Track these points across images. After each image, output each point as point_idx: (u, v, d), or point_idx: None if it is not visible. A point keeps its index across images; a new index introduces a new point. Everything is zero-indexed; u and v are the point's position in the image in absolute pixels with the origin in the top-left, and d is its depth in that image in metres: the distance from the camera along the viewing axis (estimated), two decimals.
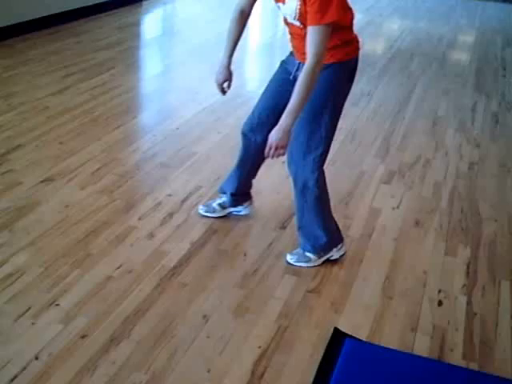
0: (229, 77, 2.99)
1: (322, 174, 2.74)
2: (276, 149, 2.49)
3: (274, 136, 2.49)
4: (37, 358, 2.18)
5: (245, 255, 2.89)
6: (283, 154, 2.56)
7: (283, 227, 3.14)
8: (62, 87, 4.83)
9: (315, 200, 2.75)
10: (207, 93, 4.94)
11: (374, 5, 9.32)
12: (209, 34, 6.92)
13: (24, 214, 3.06)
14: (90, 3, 7.13)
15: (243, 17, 2.89)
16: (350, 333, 2.39)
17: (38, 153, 3.72)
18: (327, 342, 2.34)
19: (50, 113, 4.32)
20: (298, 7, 2.45)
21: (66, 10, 6.72)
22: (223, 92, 2.97)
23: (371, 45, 7.21)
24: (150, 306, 2.49)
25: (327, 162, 3.72)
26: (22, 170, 3.49)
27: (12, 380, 2.08)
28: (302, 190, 2.76)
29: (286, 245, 2.98)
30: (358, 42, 2.74)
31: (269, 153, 2.51)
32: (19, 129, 4.02)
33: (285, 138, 2.48)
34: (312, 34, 2.40)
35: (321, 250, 2.81)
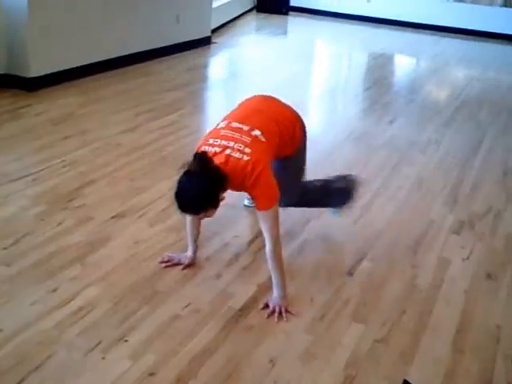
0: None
1: None
2: (280, 313, 2.72)
3: (277, 304, 2.75)
4: None
5: (311, 300, 2.86)
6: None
7: (350, 273, 3.10)
8: (133, 125, 4.97)
9: None
10: None
11: (441, 53, 9.31)
12: (274, 78, 7.02)
13: (95, 248, 3.13)
14: (161, 45, 7.34)
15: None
16: None
17: (110, 189, 3.81)
18: None
19: (121, 150, 4.44)
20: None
21: (138, 51, 6.94)
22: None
23: (438, 93, 7.18)
24: (216, 347, 2.49)
25: (394, 208, 3.71)
26: (94, 206, 3.57)
27: None
28: None
29: (353, 291, 2.94)
30: (300, 127, 3.18)
31: (278, 318, 2.71)
32: (92, 165, 4.14)
33: (284, 302, 2.77)
34: (263, 219, 2.66)
35: None
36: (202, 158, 2.52)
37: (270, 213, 2.65)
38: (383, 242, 3.43)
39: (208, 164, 2.52)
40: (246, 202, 3.71)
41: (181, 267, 3.02)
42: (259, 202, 2.66)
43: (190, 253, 3.09)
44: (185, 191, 2.54)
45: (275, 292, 2.78)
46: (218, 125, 2.84)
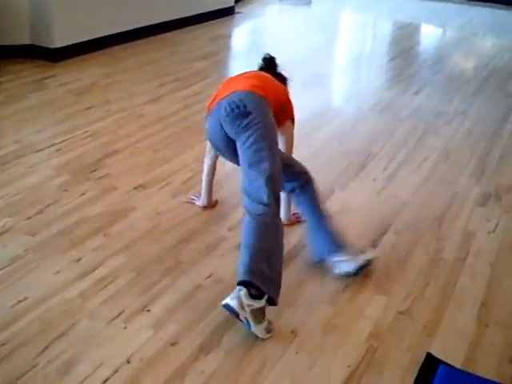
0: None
1: None
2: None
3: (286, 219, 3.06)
4: (128, 362, 2.21)
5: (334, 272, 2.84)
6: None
7: (374, 245, 3.08)
8: (157, 96, 4.95)
9: None
10: (298, 106, 4.91)
11: (469, 23, 9.11)
12: (298, 48, 6.93)
13: (118, 219, 3.14)
14: (185, 15, 7.29)
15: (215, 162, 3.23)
16: (443, 359, 2.31)
17: (133, 159, 3.81)
18: (419, 366, 2.27)
19: (145, 120, 4.43)
20: None
21: (163, 21, 6.89)
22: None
23: (466, 63, 7.04)
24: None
25: (419, 180, 3.66)
26: (117, 176, 3.58)
27: (104, 382, 2.12)
28: None
29: (376, 263, 2.91)
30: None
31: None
32: (115, 135, 4.14)
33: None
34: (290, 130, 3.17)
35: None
36: (272, 60, 3.13)
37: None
38: (407, 214, 3.39)
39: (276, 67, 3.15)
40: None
41: (201, 240, 3.01)
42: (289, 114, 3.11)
43: (206, 201, 3.29)
44: None
45: (283, 213, 3.00)
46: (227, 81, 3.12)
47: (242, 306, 2.29)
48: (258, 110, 2.70)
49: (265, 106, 2.76)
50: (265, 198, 2.52)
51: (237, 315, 2.31)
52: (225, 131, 2.76)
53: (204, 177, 3.25)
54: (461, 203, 3.55)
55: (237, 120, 2.67)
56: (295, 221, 3.20)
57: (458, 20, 9.26)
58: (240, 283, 2.35)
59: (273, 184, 2.56)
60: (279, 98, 2.95)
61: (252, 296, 2.32)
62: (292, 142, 3.18)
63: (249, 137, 2.63)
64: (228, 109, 2.71)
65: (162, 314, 2.48)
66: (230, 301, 2.30)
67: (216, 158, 3.19)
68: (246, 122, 2.65)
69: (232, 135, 2.73)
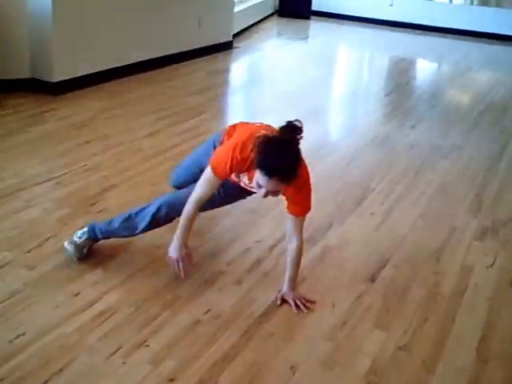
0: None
1: None
2: (302, 302, 2.80)
3: (296, 297, 2.81)
4: None
5: (333, 306, 2.84)
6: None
7: (372, 280, 3.08)
8: (155, 130, 4.99)
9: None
10: None
11: (464, 58, 9.23)
12: (295, 83, 7.02)
13: (116, 253, 3.14)
14: (183, 49, 7.37)
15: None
16: None
17: (132, 193, 3.83)
18: None
19: (143, 154, 4.46)
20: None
21: (161, 55, 6.97)
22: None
23: (461, 98, 7.12)
24: (237, 354, 2.48)
25: (417, 214, 3.68)
26: (116, 210, 3.57)
27: None
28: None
29: (375, 298, 2.92)
30: None
31: (302, 307, 2.79)
32: (114, 169, 4.16)
33: (297, 293, 2.84)
34: (299, 223, 2.78)
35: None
36: (295, 128, 2.53)
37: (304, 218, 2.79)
38: (405, 249, 3.41)
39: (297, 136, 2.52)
40: None
41: (200, 275, 3.02)
42: (301, 208, 2.75)
43: (183, 250, 2.86)
44: (283, 155, 2.48)
45: (289, 286, 2.84)
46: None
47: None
48: None
49: None
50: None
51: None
52: None
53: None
54: (458, 237, 3.57)
55: None
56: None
57: (453, 54, 9.40)
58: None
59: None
60: None
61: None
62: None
63: None
64: None
65: (160, 349, 2.47)
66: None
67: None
68: None
69: None
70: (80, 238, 3.01)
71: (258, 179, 2.51)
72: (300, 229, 2.79)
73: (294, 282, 2.86)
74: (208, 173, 2.71)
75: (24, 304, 2.67)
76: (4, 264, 2.96)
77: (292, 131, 2.54)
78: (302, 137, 2.54)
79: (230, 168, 2.64)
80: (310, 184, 2.74)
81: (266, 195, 2.56)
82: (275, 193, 2.58)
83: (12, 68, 5.60)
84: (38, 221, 3.41)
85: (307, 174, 2.73)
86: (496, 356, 2.57)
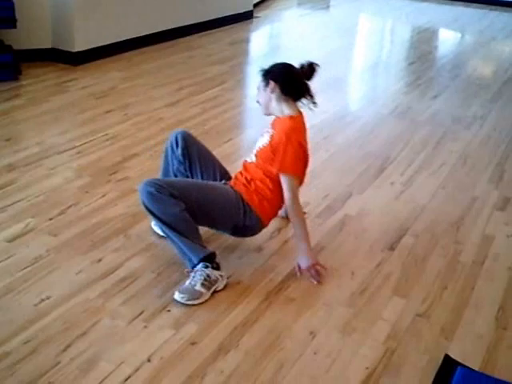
0: None
1: None
2: (314, 268, 2.78)
3: (304, 263, 2.78)
4: (149, 361, 2.24)
5: (352, 274, 2.86)
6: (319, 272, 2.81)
7: (392, 248, 3.09)
8: (175, 100, 4.99)
9: None
10: (316, 110, 4.92)
11: (488, 27, 9.08)
12: (317, 53, 6.95)
13: (138, 220, 3.17)
14: (204, 19, 7.34)
15: None
16: (460, 361, 2.32)
17: (152, 162, 3.85)
18: (437, 368, 2.28)
19: (163, 124, 4.47)
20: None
21: (181, 25, 6.95)
22: None
23: (485, 68, 7.02)
24: (257, 318, 2.51)
25: (437, 185, 3.67)
26: (137, 178, 3.61)
27: (126, 380, 2.15)
28: None
29: (394, 266, 2.93)
30: None
31: (314, 277, 2.78)
32: (135, 138, 4.18)
33: (312, 257, 2.80)
34: (283, 181, 2.82)
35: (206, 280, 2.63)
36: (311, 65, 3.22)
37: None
38: (426, 218, 3.40)
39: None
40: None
41: (221, 242, 3.04)
42: (278, 163, 2.80)
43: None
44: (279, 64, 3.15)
45: (298, 253, 2.81)
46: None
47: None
48: None
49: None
50: None
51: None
52: None
53: None
54: (479, 207, 3.55)
55: None
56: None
57: (477, 25, 9.24)
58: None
59: None
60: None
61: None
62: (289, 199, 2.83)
63: None
64: None
65: (182, 314, 2.51)
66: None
67: None
68: None
69: None
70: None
71: None
72: (286, 188, 2.79)
73: (300, 248, 2.80)
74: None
75: (48, 269, 2.72)
76: (28, 230, 3.01)
77: (309, 67, 3.16)
78: (311, 74, 3.20)
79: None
80: (290, 142, 2.80)
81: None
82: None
83: (34, 38, 5.62)
84: (60, 189, 3.45)
85: (290, 128, 2.86)
86: None
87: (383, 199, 3.60)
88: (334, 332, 2.47)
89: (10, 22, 5.10)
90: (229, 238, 3.05)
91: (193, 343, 2.35)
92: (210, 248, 2.74)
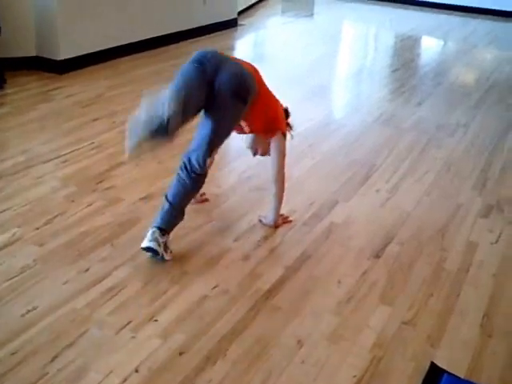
0: None
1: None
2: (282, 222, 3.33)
3: (273, 220, 3.30)
4: (137, 371, 2.25)
5: (339, 282, 2.88)
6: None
7: (378, 256, 3.11)
8: None
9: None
10: (301, 118, 4.97)
11: (470, 35, 9.18)
12: (301, 61, 7.00)
13: (125, 229, 3.17)
14: (189, 27, 7.35)
15: None
16: (446, 368, 2.34)
17: (138, 171, 3.85)
18: (423, 375, 2.30)
19: None
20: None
21: (167, 33, 6.96)
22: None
23: (467, 75, 7.09)
24: (245, 327, 2.52)
25: (422, 192, 3.70)
26: (123, 187, 3.62)
27: None
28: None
29: (380, 274, 2.96)
30: None
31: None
32: (121, 147, 4.12)
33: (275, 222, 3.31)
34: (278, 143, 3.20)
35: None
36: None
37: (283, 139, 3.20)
38: (411, 225, 3.43)
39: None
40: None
41: (207, 251, 3.06)
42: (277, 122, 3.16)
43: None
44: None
45: (271, 215, 3.30)
46: None
47: (159, 244, 2.86)
48: None
49: None
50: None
51: (156, 253, 2.85)
52: None
53: None
54: (463, 214, 3.59)
55: None
56: (282, 223, 3.36)
57: (459, 32, 9.34)
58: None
59: None
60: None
61: (162, 233, 2.89)
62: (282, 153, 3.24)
63: None
64: None
65: (169, 323, 2.51)
66: (149, 243, 2.84)
67: None
68: None
69: None
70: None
71: None
72: (280, 149, 3.20)
73: (276, 208, 3.28)
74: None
75: (35, 279, 2.72)
76: (14, 240, 3.00)
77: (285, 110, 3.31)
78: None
79: None
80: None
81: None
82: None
83: (18, 47, 5.61)
84: (46, 198, 3.44)
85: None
86: (500, 331, 2.61)
87: (369, 207, 3.63)
88: (321, 340, 2.49)
89: None
90: (215, 247, 3.06)
91: (181, 353, 2.36)
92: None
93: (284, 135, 3.20)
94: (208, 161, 2.95)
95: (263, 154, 3.32)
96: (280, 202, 3.27)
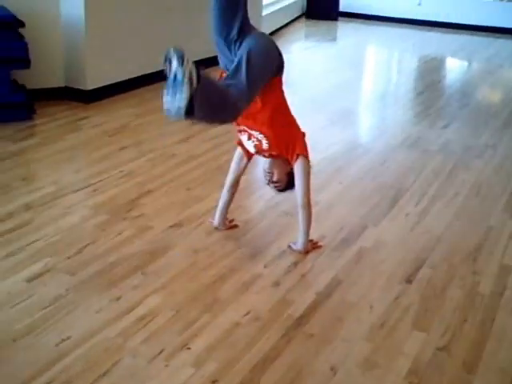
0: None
1: None
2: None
3: (304, 247, 3.30)
4: None
5: (371, 307, 2.86)
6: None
7: (409, 281, 3.08)
8: (187, 135, 5.04)
9: None
10: (327, 142, 4.99)
11: (495, 55, 9.14)
12: (325, 85, 7.02)
13: (155, 257, 3.19)
14: (212, 55, 7.41)
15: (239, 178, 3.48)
16: None
17: (167, 198, 3.88)
18: None
19: (177, 160, 4.51)
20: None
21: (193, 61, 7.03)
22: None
23: (493, 96, 7.06)
24: (277, 355, 2.51)
25: (452, 215, 3.66)
26: (153, 215, 3.64)
27: None
28: None
29: (413, 299, 2.92)
30: None
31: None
32: (149, 175, 4.22)
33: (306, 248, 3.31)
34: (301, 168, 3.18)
35: None
36: None
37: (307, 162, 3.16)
38: (442, 249, 3.40)
39: None
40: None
41: (238, 277, 3.05)
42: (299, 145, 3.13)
43: (217, 221, 3.50)
44: None
45: (300, 240, 3.28)
46: None
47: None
48: None
49: None
50: None
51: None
52: None
53: (223, 192, 3.48)
54: (495, 237, 3.55)
55: None
56: (312, 248, 3.35)
57: (483, 53, 9.30)
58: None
59: None
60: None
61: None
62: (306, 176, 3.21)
63: None
64: None
65: (202, 351, 2.50)
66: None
67: (241, 172, 3.42)
68: None
69: None
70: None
71: None
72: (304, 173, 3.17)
73: (306, 234, 3.26)
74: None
75: (68, 309, 2.73)
76: (46, 270, 3.03)
77: None
78: None
79: None
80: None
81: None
82: None
83: (47, 77, 5.70)
84: (76, 227, 3.48)
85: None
86: None
87: (398, 230, 3.61)
88: (354, 368, 2.46)
89: (24, 62, 5.16)
90: (245, 274, 3.06)
91: (213, 381, 2.35)
92: None
93: (307, 158, 3.18)
94: None
95: (278, 181, 3.25)
96: (308, 226, 3.26)
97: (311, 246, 3.32)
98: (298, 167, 3.15)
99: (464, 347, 2.60)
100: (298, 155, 3.12)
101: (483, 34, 10.60)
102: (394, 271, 3.17)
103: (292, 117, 3.17)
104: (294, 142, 3.13)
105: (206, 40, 7.18)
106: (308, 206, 3.21)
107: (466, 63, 9.04)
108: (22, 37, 5.11)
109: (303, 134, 3.20)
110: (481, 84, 7.56)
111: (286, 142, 3.12)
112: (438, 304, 2.90)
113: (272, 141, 3.10)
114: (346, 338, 2.63)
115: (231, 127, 5.25)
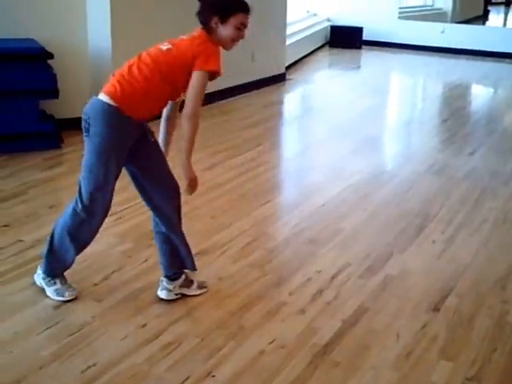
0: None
1: None
2: (191, 185, 3.07)
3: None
4: None
5: (398, 336, 2.82)
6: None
7: (436, 309, 3.05)
8: (212, 163, 5.07)
9: None
10: (352, 170, 4.99)
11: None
12: (349, 113, 7.05)
13: None
14: (238, 83, 7.50)
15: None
16: None
17: (192, 226, 3.87)
18: None
19: (201, 187, 4.49)
20: None
21: (216, 90, 7.10)
22: None
23: None
24: None
25: (479, 242, 3.62)
26: None
27: None
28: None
29: (440, 327, 2.89)
30: None
31: (190, 191, 3.08)
32: None
33: (189, 172, 3.09)
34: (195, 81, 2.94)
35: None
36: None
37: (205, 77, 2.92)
38: (469, 277, 3.36)
39: None
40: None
41: (263, 305, 3.04)
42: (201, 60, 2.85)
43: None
44: None
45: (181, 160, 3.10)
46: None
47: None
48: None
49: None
50: None
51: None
52: None
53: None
54: None
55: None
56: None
57: (508, 79, 9.29)
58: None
59: None
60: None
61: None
62: (194, 94, 2.99)
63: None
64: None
65: (227, 379, 2.49)
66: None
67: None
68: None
69: None
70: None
71: (236, 25, 2.95)
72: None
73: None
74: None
75: (94, 335, 2.74)
76: (74, 296, 3.05)
77: None
78: None
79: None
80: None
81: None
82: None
83: (74, 107, 5.76)
84: (103, 254, 3.50)
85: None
86: None
87: (425, 258, 3.58)
88: None
89: (52, 93, 5.26)
90: (270, 302, 3.05)
91: None
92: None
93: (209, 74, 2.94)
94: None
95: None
96: (191, 142, 3.06)
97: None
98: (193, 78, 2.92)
99: (494, 377, 2.56)
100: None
101: (508, 61, 10.58)
102: (420, 299, 3.14)
103: None
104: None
105: (231, 69, 7.27)
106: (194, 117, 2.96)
107: (491, 90, 9.01)
108: (50, 68, 5.22)
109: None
110: (507, 110, 7.52)
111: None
112: (466, 333, 2.86)
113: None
114: (372, 367, 2.60)
115: (255, 155, 5.31)
